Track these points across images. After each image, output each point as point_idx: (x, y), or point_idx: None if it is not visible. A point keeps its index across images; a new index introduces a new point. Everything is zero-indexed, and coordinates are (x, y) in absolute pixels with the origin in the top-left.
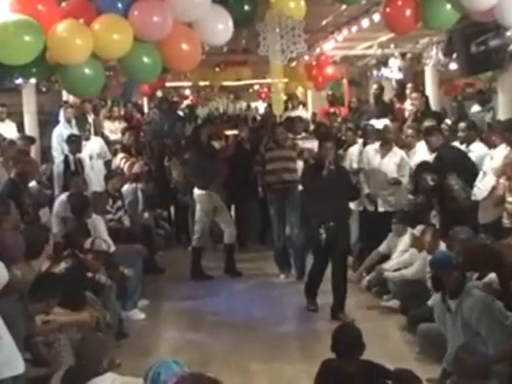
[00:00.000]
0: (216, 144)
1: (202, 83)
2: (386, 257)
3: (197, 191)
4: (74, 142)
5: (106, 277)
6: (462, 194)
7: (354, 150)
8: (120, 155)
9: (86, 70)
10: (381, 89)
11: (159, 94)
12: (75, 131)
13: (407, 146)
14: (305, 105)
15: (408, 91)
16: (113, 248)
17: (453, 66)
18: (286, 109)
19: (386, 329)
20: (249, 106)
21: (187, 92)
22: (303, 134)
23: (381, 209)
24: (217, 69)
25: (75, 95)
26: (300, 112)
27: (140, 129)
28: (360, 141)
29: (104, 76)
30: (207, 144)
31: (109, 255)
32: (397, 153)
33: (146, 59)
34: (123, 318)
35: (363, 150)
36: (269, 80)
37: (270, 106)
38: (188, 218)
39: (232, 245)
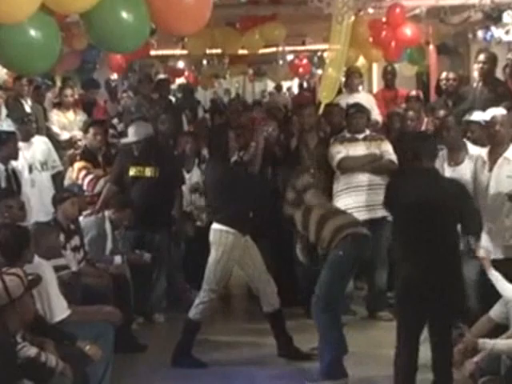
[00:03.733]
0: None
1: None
2: (503, 327)
3: (216, 227)
4: (6, 144)
5: (56, 358)
6: None
7: None
8: (78, 165)
9: (32, 32)
10: (492, 59)
11: (137, 67)
12: (6, 126)
13: None
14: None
15: None
16: (67, 312)
17: None
18: (339, 92)
19: None
20: (279, 87)
21: (181, 65)
22: (367, 132)
23: (497, 255)
24: (230, 29)
25: (14, 71)
26: (363, 97)
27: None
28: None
29: (60, 41)
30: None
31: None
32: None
33: (125, 15)
34: None
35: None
36: (313, 46)
37: (301, 86)
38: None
39: (278, 313)
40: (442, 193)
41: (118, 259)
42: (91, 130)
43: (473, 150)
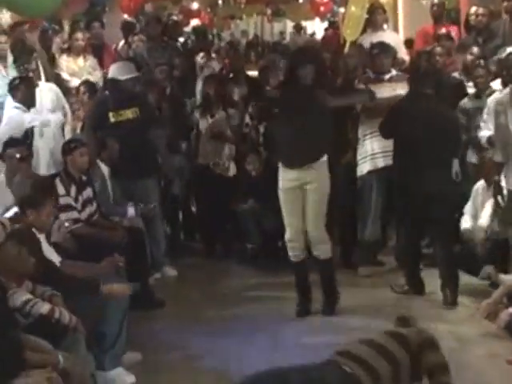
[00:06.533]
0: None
1: None
2: None
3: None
4: (19, 88)
5: (69, 313)
6: None
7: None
8: None
9: None
10: None
11: (149, 8)
12: (12, 74)
13: None
14: None
15: None
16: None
17: None
18: (364, 31)
19: None
20: (299, 27)
21: (195, 6)
22: (393, 73)
23: None
24: None
25: (21, 14)
26: (388, 35)
27: None
28: (496, 84)
29: None
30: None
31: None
32: None
33: None
34: (100, 382)
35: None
36: None
37: (331, 24)
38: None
39: (328, 261)
40: (436, 116)
41: (131, 211)
42: None
43: None
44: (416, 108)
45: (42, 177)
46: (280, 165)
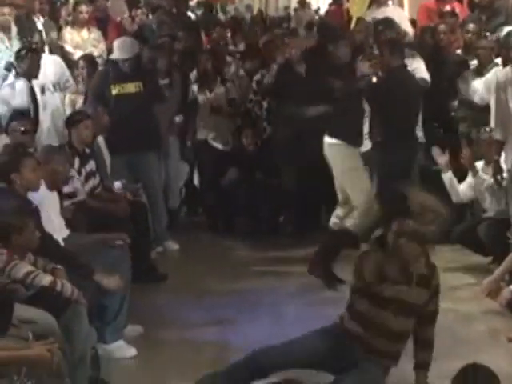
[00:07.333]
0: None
1: None
2: None
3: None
4: (25, 59)
5: (71, 285)
6: None
7: (491, 80)
8: None
9: None
10: None
11: None
12: (15, 46)
13: None
14: None
15: None
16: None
17: None
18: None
19: None
20: (304, 2)
21: None
22: None
23: None
24: None
25: None
26: (392, 11)
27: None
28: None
29: None
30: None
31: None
32: None
33: None
34: (101, 355)
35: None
36: None
37: (336, 0)
38: None
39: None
40: (406, 84)
41: (117, 184)
42: None
43: None
44: (387, 80)
45: (13, 142)
46: None
